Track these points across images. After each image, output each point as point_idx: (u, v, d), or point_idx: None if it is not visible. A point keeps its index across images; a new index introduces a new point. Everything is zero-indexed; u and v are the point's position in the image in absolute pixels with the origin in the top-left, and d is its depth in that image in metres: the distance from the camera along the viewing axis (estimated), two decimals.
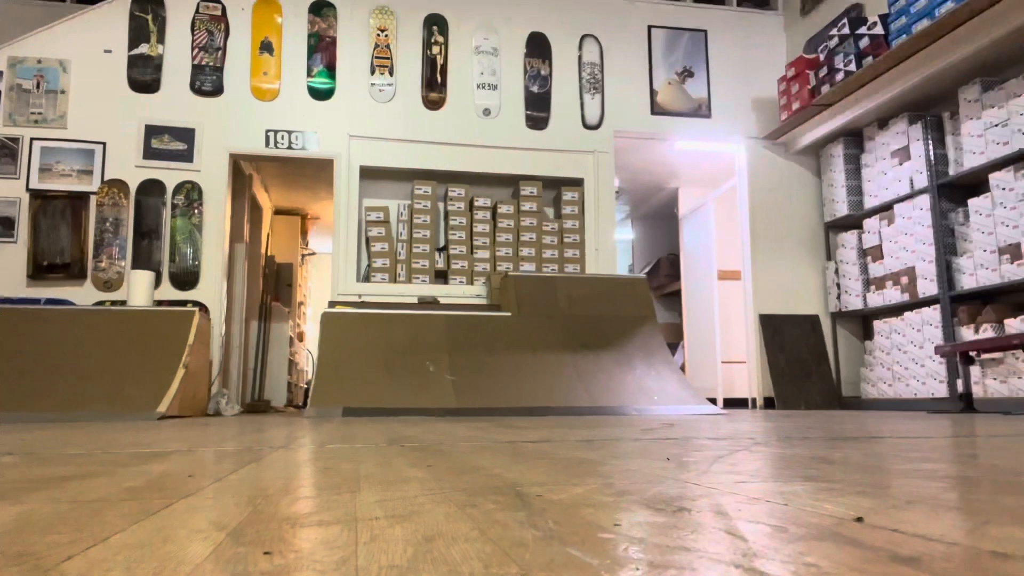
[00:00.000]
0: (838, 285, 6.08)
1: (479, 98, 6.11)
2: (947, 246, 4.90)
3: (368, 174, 5.92)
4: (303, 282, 9.14)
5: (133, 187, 5.49)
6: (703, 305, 7.27)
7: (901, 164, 5.34)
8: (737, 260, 6.57)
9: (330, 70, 5.92)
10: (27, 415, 3.84)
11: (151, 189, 5.51)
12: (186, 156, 5.58)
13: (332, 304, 5.27)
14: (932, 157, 5.02)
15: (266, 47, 5.84)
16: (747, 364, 6.30)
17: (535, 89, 6.21)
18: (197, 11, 5.77)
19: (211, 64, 5.73)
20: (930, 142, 5.04)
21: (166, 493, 0.86)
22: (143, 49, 5.65)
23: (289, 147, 5.75)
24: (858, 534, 0.56)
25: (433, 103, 6.04)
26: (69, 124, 5.47)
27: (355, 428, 2.61)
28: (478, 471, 1.08)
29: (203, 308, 5.19)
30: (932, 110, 5.28)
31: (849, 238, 5.92)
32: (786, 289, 6.23)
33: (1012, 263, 4.35)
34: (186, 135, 5.60)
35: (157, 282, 5.22)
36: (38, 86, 5.47)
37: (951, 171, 4.92)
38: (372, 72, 5.97)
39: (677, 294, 8.06)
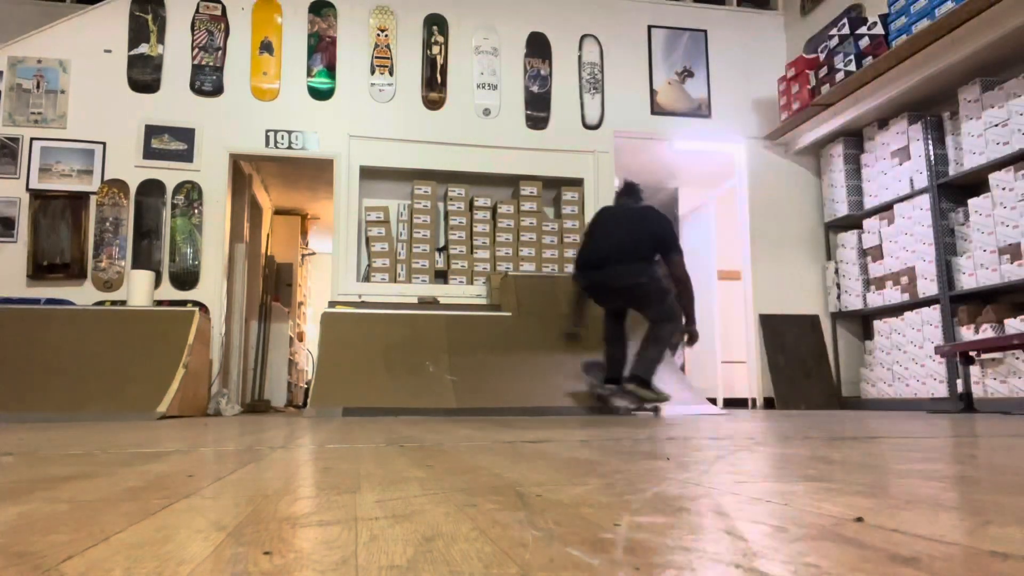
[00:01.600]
0: (838, 285, 6.07)
1: (479, 98, 6.11)
2: (947, 246, 4.90)
3: (368, 174, 5.91)
4: (303, 282, 9.14)
5: (133, 187, 5.49)
6: (703, 305, 7.26)
7: (901, 164, 5.34)
8: (737, 260, 6.57)
9: (330, 70, 5.92)
10: (27, 415, 3.84)
11: (151, 189, 5.51)
12: (186, 156, 5.58)
13: (332, 304, 5.27)
14: (932, 157, 5.02)
15: (266, 47, 5.84)
16: (747, 364, 6.30)
17: (535, 89, 6.20)
18: (197, 11, 5.77)
19: (211, 64, 5.73)
20: (930, 142, 5.04)
21: (166, 493, 0.86)
22: (143, 49, 5.65)
23: (289, 147, 5.75)
24: (858, 534, 0.56)
25: (433, 103, 6.04)
26: (69, 124, 5.47)
27: (355, 428, 2.61)
28: (478, 471, 1.08)
29: (203, 308, 5.19)
30: (932, 110, 5.28)
31: (849, 238, 5.92)
32: (786, 289, 6.23)
33: (1012, 263, 4.35)
34: (186, 135, 5.60)
35: (157, 282, 5.22)
36: (38, 86, 5.47)
37: (951, 171, 4.92)
38: (372, 72, 5.97)
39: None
